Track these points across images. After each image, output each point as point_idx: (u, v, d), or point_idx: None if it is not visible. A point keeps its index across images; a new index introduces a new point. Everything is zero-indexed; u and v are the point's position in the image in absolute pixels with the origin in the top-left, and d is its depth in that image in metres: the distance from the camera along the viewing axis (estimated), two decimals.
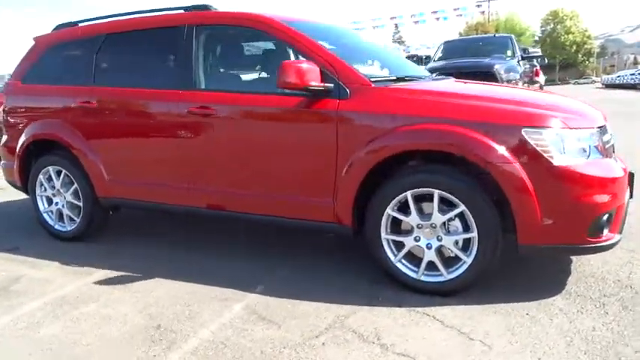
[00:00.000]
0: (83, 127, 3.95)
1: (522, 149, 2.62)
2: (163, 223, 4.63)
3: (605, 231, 2.75)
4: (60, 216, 4.23)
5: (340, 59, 3.10)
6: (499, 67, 7.92)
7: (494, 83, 5.09)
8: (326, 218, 3.09)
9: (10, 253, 3.97)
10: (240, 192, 3.39)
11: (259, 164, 3.31)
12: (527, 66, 10.36)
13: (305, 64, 2.92)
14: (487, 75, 7.57)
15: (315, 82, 2.93)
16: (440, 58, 10.01)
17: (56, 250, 3.97)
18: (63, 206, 4.17)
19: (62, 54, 4.30)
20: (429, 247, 2.86)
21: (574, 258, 3.29)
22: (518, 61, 9.25)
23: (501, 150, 2.63)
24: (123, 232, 4.41)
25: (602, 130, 2.92)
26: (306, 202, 3.15)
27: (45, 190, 4.25)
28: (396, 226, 2.95)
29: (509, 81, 7.86)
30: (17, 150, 4.32)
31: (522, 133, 2.62)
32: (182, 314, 2.80)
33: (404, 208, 2.89)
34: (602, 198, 2.67)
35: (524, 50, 11.03)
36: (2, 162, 4.67)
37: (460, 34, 48.47)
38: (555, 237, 2.69)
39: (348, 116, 2.97)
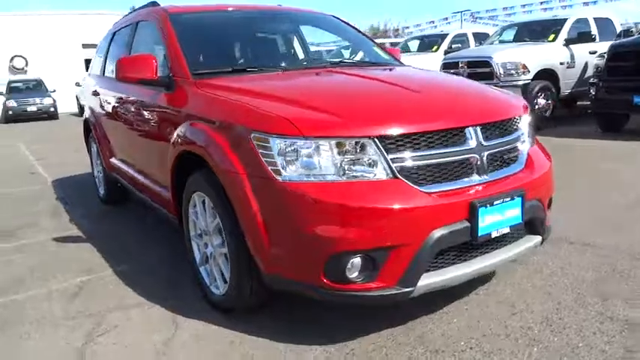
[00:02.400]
0: None
1: (250, 158, 2.17)
2: None
3: (357, 275, 2.05)
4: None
5: (178, 50, 3.00)
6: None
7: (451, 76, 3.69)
8: (171, 211, 3.10)
9: None
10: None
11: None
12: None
13: (138, 58, 2.97)
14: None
15: (148, 75, 2.94)
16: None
17: None
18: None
19: None
20: (211, 255, 2.63)
21: None
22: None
23: (231, 157, 2.24)
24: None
25: (405, 140, 2.11)
26: (161, 193, 3.22)
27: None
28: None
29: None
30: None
31: (251, 138, 2.16)
32: None
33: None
34: (346, 232, 2.00)
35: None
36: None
37: None
38: (291, 271, 2.17)
39: (170, 110, 2.92)
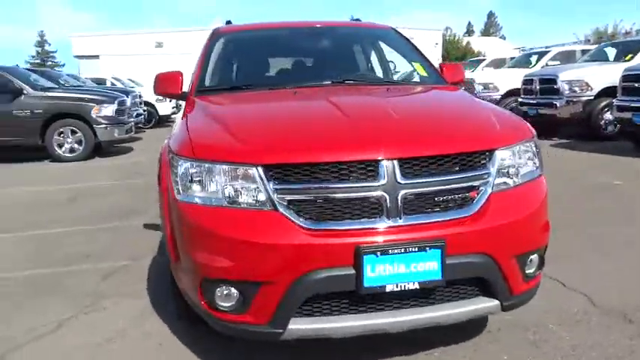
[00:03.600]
0: None
1: (170, 176, 2.24)
2: None
3: (228, 306, 2.02)
4: None
5: (199, 67, 3.23)
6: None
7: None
8: None
9: None
10: None
11: None
12: None
13: (168, 74, 3.26)
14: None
15: (173, 90, 3.22)
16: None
17: None
18: None
19: None
20: None
21: None
22: None
23: (163, 173, 2.41)
24: None
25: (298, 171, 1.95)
26: None
27: None
28: None
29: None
30: None
31: (170, 157, 2.26)
32: None
33: None
34: (215, 259, 1.97)
35: None
36: None
37: None
38: (186, 290, 2.22)
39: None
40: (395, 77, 4.07)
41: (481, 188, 2.06)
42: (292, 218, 1.92)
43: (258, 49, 3.65)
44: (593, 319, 2.59)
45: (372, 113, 2.38)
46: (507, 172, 2.15)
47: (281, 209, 1.93)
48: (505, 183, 2.14)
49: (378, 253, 1.87)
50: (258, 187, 1.96)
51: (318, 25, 3.81)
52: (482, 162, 2.09)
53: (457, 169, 2.04)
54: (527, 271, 2.18)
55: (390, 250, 1.88)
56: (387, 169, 1.93)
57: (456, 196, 2.03)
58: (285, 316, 1.92)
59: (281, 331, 1.94)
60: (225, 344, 2.40)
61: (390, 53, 3.81)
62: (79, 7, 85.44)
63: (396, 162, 1.94)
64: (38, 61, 56.84)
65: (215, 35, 3.61)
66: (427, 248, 1.90)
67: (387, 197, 1.92)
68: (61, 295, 3.13)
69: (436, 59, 29.21)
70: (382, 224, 1.92)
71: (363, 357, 2.33)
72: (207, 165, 2.04)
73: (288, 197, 1.94)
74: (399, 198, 1.93)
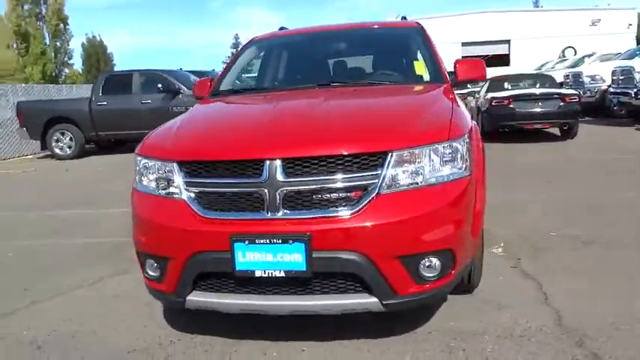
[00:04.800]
0: None
1: None
2: None
3: (152, 275, 2.49)
4: None
5: (222, 71, 3.70)
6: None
7: None
8: None
9: None
10: None
11: None
12: None
13: (201, 80, 3.81)
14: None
15: (201, 94, 3.68)
16: None
17: None
18: None
19: None
20: None
21: None
22: None
23: None
24: None
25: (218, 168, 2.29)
26: None
27: None
28: None
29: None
30: None
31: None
32: None
33: None
34: (140, 237, 2.49)
35: None
36: None
37: None
38: None
39: None
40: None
41: (367, 189, 2.15)
42: (193, 207, 2.27)
43: (276, 55, 4.00)
44: (538, 336, 2.41)
45: (295, 117, 2.59)
46: (405, 173, 2.18)
47: (186, 199, 2.30)
48: (399, 184, 2.17)
49: (247, 242, 2.12)
50: (174, 180, 2.36)
51: (340, 29, 4.02)
52: (371, 164, 2.16)
53: (341, 170, 2.16)
54: (422, 274, 2.19)
55: (256, 240, 2.11)
56: (269, 168, 2.16)
57: (336, 195, 2.15)
58: (184, 287, 2.30)
59: (182, 300, 2.32)
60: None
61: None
62: (270, 7, 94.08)
63: (279, 162, 2.16)
64: None
65: (249, 43, 4.06)
66: (290, 241, 2.09)
67: (268, 193, 2.15)
68: (113, 259, 3.93)
69: (629, 42, 25.41)
70: (260, 217, 2.17)
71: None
72: (148, 161, 2.50)
73: (193, 189, 2.30)
74: (278, 194, 2.14)
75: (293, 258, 2.11)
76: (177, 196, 2.34)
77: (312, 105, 2.71)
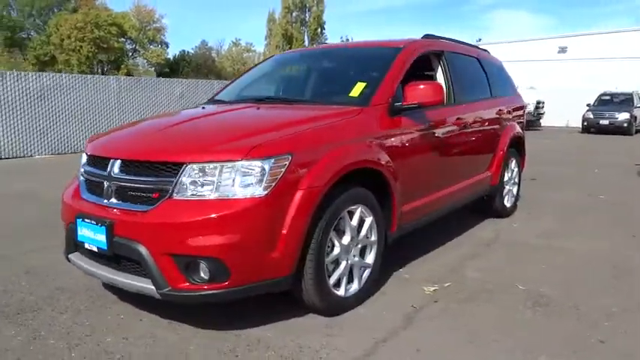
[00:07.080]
0: None
1: None
2: None
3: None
4: None
5: (232, 80, 4.32)
6: None
7: None
8: None
9: None
10: None
11: None
12: None
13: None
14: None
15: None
16: None
17: None
18: None
19: None
20: None
21: None
22: None
23: None
24: None
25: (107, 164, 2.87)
26: None
27: None
28: None
29: None
30: None
31: None
32: None
33: None
34: (61, 209, 3.31)
35: None
36: None
37: None
38: None
39: None
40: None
41: (162, 192, 2.56)
42: (80, 188, 3.02)
43: (274, 70, 4.38)
44: None
45: (167, 127, 3.14)
46: (195, 184, 2.51)
47: (81, 182, 3.05)
48: (186, 192, 2.51)
49: (83, 219, 2.76)
50: (83, 168, 3.14)
51: (334, 48, 4.20)
52: (169, 171, 2.57)
53: (152, 174, 2.63)
54: (192, 274, 2.49)
55: (85, 219, 2.74)
56: (110, 165, 2.77)
57: (142, 193, 2.63)
58: (68, 247, 3.05)
59: (66, 257, 3.07)
60: None
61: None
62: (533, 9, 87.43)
63: (118, 162, 2.75)
64: None
65: (270, 56, 4.57)
66: (98, 224, 2.65)
67: (105, 184, 2.76)
68: None
69: None
70: (98, 201, 2.79)
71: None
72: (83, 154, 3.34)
73: (84, 175, 3.04)
74: (110, 185, 2.74)
75: (100, 238, 2.67)
76: (80, 179, 3.11)
77: (193, 117, 3.19)
